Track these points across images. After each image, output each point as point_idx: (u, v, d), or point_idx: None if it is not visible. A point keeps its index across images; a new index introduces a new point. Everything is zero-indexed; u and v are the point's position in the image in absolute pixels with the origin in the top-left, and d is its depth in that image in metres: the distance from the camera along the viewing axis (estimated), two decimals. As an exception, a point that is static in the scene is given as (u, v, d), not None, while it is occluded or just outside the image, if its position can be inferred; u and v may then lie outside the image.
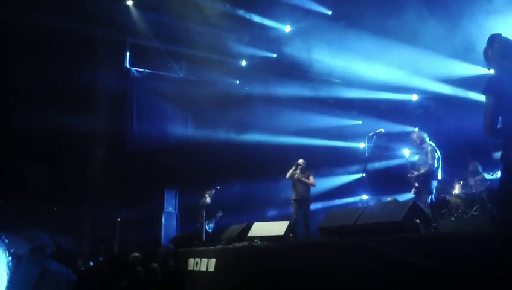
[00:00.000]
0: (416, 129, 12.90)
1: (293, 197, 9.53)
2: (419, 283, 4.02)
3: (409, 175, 7.76)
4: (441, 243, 4.16)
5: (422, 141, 7.67)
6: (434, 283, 3.90)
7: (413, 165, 7.77)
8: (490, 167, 8.83)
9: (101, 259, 8.76)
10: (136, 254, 7.59)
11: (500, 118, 3.40)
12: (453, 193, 9.05)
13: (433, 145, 7.57)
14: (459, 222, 7.76)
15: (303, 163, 9.61)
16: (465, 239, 4.07)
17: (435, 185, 7.51)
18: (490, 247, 3.64)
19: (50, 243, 7.57)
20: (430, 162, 7.36)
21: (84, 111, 11.09)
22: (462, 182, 9.08)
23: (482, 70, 10.22)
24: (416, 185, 7.57)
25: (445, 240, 4.25)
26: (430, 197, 7.42)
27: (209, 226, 10.60)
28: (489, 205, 7.57)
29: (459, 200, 8.72)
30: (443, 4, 8.49)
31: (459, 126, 9.80)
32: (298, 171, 9.49)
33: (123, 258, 8.04)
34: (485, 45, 3.66)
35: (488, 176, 8.83)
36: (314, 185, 9.46)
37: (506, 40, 3.58)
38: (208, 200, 10.59)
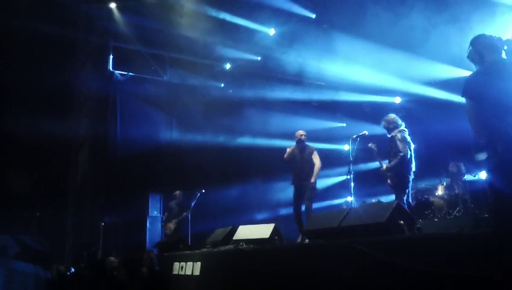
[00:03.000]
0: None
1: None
2: (403, 284, 4.05)
3: (380, 169, 7.07)
4: (425, 244, 4.20)
5: (395, 127, 6.91)
6: (418, 284, 3.93)
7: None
8: (472, 168, 8.94)
9: (82, 265, 8.66)
10: (111, 258, 7.52)
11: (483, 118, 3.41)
12: (436, 194, 9.15)
13: (405, 133, 6.87)
14: (443, 223, 7.86)
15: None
16: (448, 240, 4.11)
17: (410, 178, 6.75)
18: (473, 248, 3.69)
19: (12, 243, 7.41)
20: (401, 151, 6.63)
21: (66, 115, 10.99)
22: (445, 183, 9.18)
23: (464, 73, 10.38)
24: (389, 181, 6.91)
25: (428, 241, 4.29)
26: (405, 192, 6.69)
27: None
28: (472, 205, 7.66)
29: (442, 202, 8.82)
30: (425, 7, 8.57)
31: (441, 128, 9.91)
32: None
33: (103, 264, 7.97)
34: (469, 46, 3.68)
35: (470, 177, 8.92)
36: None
37: (488, 39, 3.60)
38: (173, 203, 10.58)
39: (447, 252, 3.86)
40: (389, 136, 7.00)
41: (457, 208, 8.21)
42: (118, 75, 12.46)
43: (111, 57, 12.37)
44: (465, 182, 8.72)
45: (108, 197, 11.34)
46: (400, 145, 6.71)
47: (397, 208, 5.07)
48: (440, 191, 9.12)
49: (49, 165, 10.68)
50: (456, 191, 8.73)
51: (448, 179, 9.28)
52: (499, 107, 3.27)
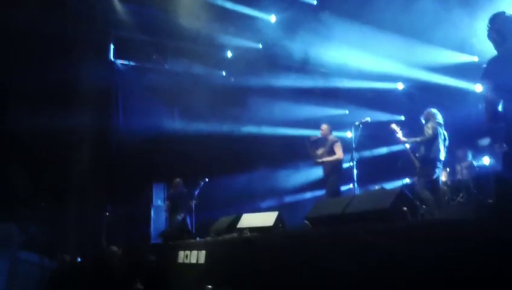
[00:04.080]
0: (403, 117, 13.07)
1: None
2: (407, 270, 4.06)
3: (404, 145, 7.57)
4: (428, 231, 4.20)
5: (432, 120, 7.33)
6: (422, 270, 3.94)
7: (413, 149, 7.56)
8: (476, 153, 8.93)
9: (86, 255, 8.72)
10: (113, 247, 7.57)
11: (501, 103, 3.27)
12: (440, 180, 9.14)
13: (439, 125, 7.25)
14: (446, 208, 7.86)
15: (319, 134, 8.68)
16: (452, 226, 4.12)
17: (435, 165, 7.12)
18: (476, 234, 3.69)
19: (17, 232, 7.46)
20: (425, 134, 7.12)
21: (68, 105, 10.93)
22: (448, 169, 9.17)
23: (467, 58, 10.33)
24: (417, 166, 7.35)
25: (431, 228, 4.29)
26: (426, 177, 7.12)
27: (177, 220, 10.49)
28: (475, 191, 7.65)
29: (445, 188, 8.81)
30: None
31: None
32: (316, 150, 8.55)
33: (107, 255, 8.03)
34: (488, 25, 3.48)
35: (474, 163, 8.92)
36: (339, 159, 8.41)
37: (505, 19, 3.41)
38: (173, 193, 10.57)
39: (450, 238, 3.86)
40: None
41: (461, 194, 8.21)
42: (119, 64, 12.41)
43: (112, 46, 12.31)
44: (470, 167, 8.71)
45: (111, 187, 11.36)
46: (426, 130, 7.16)
47: (400, 195, 5.07)
48: (443, 177, 9.11)
49: (52, 156, 10.68)
50: (459, 177, 8.73)
51: (452, 165, 9.27)
52: None
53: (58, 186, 10.79)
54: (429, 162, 7.15)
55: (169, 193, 10.69)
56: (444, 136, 7.33)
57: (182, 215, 10.52)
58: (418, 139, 7.28)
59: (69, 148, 11.32)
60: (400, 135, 7.68)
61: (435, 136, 7.13)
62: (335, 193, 8.34)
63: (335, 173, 8.38)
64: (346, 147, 8.78)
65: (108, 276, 7.04)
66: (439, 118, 7.40)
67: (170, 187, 11.48)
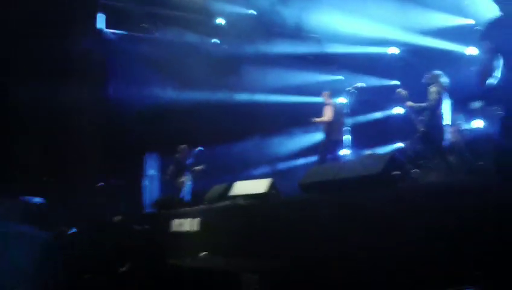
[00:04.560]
0: (398, 82, 12.98)
1: None
2: (399, 234, 4.08)
3: (406, 109, 7.62)
4: (421, 194, 4.21)
5: (435, 82, 7.28)
6: (415, 234, 3.95)
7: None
8: (468, 116, 8.89)
9: (84, 225, 8.73)
10: (119, 217, 7.61)
11: (499, 66, 3.21)
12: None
13: (442, 89, 7.18)
14: (437, 171, 7.87)
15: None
16: (444, 188, 4.12)
17: (442, 130, 7.10)
18: (468, 195, 3.69)
19: (10, 205, 7.47)
20: (430, 100, 7.08)
21: (57, 78, 10.78)
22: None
23: (461, 21, 10.20)
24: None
25: (424, 190, 4.30)
26: (434, 142, 7.15)
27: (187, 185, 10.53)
28: (466, 153, 7.65)
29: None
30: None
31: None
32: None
33: (107, 224, 8.05)
34: None
35: (465, 126, 8.89)
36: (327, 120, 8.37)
37: None
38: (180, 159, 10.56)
39: (442, 200, 3.87)
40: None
41: (452, 156, 8.20)
42: (109, 33, 12.19)
43: (101, 15, 12.05)
44: (461, 131, 8.67)
45: (105, 158, 11.33)
46: (430, 95, 7.10)
47: (392, 159, 5.05)
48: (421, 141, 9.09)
49: (43, 130, 10.62)
50: (452, 140, 8.70)
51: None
52: None
53: (52, 159, 10.76)
54: (435, 127, 7.14)
55: (175, 158, 10.67)
56: (449, 99, 7.29)
57: (190, 181, 10.56)
58: (423, 104, 7.21)
59: (60, 121, 11.22)
60: (406, 100, 7.56)
61: (439, 101, 7.10)
62: (320, 159, 8.33)
63: (324, 136, 8.33)
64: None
65: (115, 246, 7.09)
66: (444, 80, 7.32)
67: (167, 156, 11.53)
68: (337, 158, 8.28)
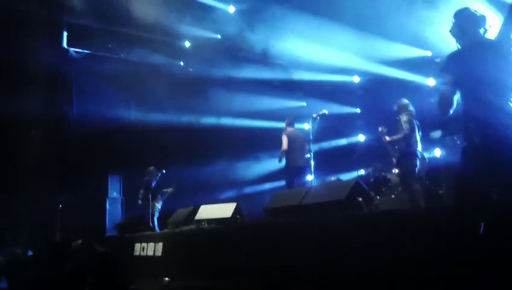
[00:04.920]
0: (358, 110, 13.36)
1: None
2: (362, 259, 4.17)
3: (384, 141, 7.65)
4: (382, 220, 4.33)
5: (405, 110, 7.44)
6: (376, 259, 4.05)
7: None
8: (427, 146, 9.19)
9: (41, 247, 8.44)
10: (79, 241, 7.39)
11: (458, 97, 3.34)
12: (393, 171, 9.38)
13: (412, 117, 7.38)
14: (399, 199, 8.10)
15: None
16: (404, 215, 4.26)
17: (416, 157, 7.24)
18: (428, 223, 3.83)
19: None
20: (404, 129, 7.23)
21: (16, 92, 10.49)
22: (394, 159, 9.41)
23: (421, 53, 10.64)
24: (393, 159, 7.56)
25: (386, 217, 4.42)
26: (410, 170, 7.24)
27: (157, 208, 10.32)
28: (427, 182, 7.90)
29: (398, 179, 9.05)
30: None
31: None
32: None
33: (66, 245, 7.81)
34: (452, 19, 3.52)
35: (426, 155, 9.19)
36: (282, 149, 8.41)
37: (470, 14, 3.46)
38: (153, 184, 10.39)
39: (402, 226, 3.99)
40: (397, 118, 7.51)
41: (407, 185, 8.44)
42: (73, 52, 12.02)
43: (65, 33, 11.90)
44: (421, 159, 8.93)
45: (65, 177, 11.05)
46: (403, 125, 7.27)
47: (356, 186, 5.19)
48: (396, 169, 9.35)
49: (4, 146, 10.28)
50: (405, 167, 8.95)
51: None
52: (477, 88, 3.22)
53: (7, 176, 10.39)
54: (409, 154, 7.30)
55: (144, 181, 10.42)
56: (419, 126, 7.50)
57: (160, 203, 10.40)
58: (400, 136, 7.37)
59: (19, 134, 10.90)
60: (385, 136, 7.77)
61: (412, 130, 7.30)
62: (287, 184, 8.41)
63: (284, 163, 8.40)
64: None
65: (62, 270, 6.86)
66: (412, 108, 7.53)
67: (129, 178, 11.35)
68: (303, 184, 8.35)
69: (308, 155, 8.23)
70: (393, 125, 7.90)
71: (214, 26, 12.04)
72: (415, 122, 7.40)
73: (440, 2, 8.10)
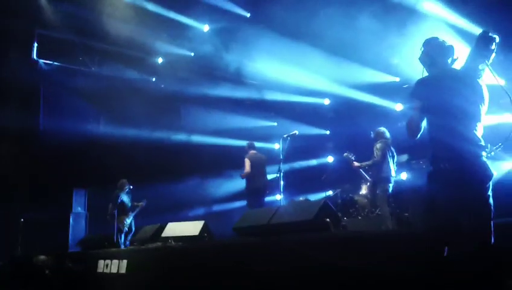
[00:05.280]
0: (328, 132, 13.54)
1: None
2: (329, 279, 4.19)
3: (352, 166, 8.13)
4: (349, 241, 4.37)
5: (380, 138, 7.90)
6: (343, 280, 4.08)
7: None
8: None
9: (1, 262, 8.16)
10: (42, 256, 7.20)
11: (425, 123, 3.43)
12: (360, 193, 9.51)
13: (386, 145, 7.81)
14: (366, 221, 8.20)
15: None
16: (369, 237, 4.31)
17: (389, 182, 7.67)
18: (394, 245, 3.89)
19: None
20: (375, 156, 7.71)
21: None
22: (368, 183, 9.55)
23: (390, 78, 10.92)
24: (363, 186, 8.27)
25: (352, 238, 4.46)
26: (382, 194, 7.66)
27: (126, 223, 10.04)
28: (393, 205, 8.04)
29: (365, 200, 9.17)
30: (358, 14, 8.87)
31: (365, 130, 10.33)
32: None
33: (27, 261, 7.58)
34: (422, 48, 3.65)
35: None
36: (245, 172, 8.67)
37: (439, 43, 3.60)
38: (122, 198, 10.10)
39: (368, 248, 4.04)
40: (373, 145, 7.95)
41: (379, 208, 8.58)
42: (43, 64, 11.81)
43: (36, 45, 11.70)
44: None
45: (29, 191, 10.75)
46: (375, 152, 7.75)
47: (324, 206, 5.23)
48: (364, 191, 9.48)
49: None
50: (378, 191, 9.10)
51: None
52: (444, 116, 3.31)
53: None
54: (382, 180, 7.70)
55: (114, 194, 10.08)
56: (392, 153, 7.93)
57: (131, 217, 10.08)
58: (369, 162, 7.84)
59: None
60: (353, 161, 8.17)
61: (383, 157, 7.70)
62: (247, 205, 8.61)
63: (245, 185, 8.72)
64: (274, 158, 8.95)
65: (39, 286, 6.67)
66: (387, 136, 7.97)
67: (95, 193, 11.10)
68: (263, 204, 8.60)
69: (274, 176, 8.41)
70: (362, 150, 8.12)
71: (188, 44, 12.09)
72: (391, 149, 7.86)
73: (409, 30, 8.37)
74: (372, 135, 8.11)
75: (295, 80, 11.58)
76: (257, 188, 8.55)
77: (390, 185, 7.70)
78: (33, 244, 9.59)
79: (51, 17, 10.78)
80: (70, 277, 6.99)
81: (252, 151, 8.89)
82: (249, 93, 13.50)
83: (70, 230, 10.81)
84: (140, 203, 10.21)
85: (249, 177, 8.56)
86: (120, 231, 9.72)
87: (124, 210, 9.95)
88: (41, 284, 6.65)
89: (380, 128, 8.09)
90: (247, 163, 8.55)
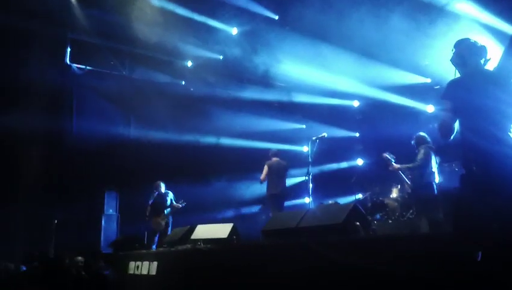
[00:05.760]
0: (357, 134, 13.41)
1: None
2: (359, 283, 4.14)
3: (390, 168, 7.85)
4: (380, 245, 4.30)
5: (423, 143, 7.61)
6: (373, 283, 4.02)
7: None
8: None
9: (35, 263, 8.36)
10: (79, 257, 7.37)
11: (457, 124, 3.37)
12: (391, 196, 9.37)
13: (430, 149, 7.53)
14: (397, 224, 8.07)
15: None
16: (402, 241, 4.24)
17: (432, 188, 7.34)
18: (425, 249, 3.81)
19: None
20: (417, 160, 7.39)
21: (19, 108, 10.54)
22: (399, 185, 9.41)
23: (421, 80, 10.75)
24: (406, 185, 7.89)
25: (383, 242, 4.40)
26: (426, 199, 7.34)
27: (161, 224, 9.89)
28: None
29: (396, 204, 9.04)
30: (388, 15, 8.77)
31: (395, 132, 10.18)
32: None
33: (59, 262, 7.74)
34: (453, 49, 3.60)
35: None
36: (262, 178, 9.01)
37: (471, 44, 3.55)
38: (155, 199, 10.11)
39: (400, 252, 3.97)
40: (416, 151, 7.65)
41: (411, 211, 8.44)
42: (75, 68, 12.10)
43: (68, 49, 12.01)
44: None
45: (62, 194, 10.99)
46: (419, 156, 7.39)
47: (353, 210, 5.17)
48: (394, 194, 9.35)
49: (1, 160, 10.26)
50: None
51: (402, 182, 9.50)
52: (476, 117, 3.26)
53: (4, 191, 10.34)
54: (424, 186, 7.36)
55: (153, 196, 10.12)
56: (436, 159, 7.62)
57: (166, 220, 9.98)
58: (410, 165, 7.53)
59: (18, 150, 10.88)
60: (392, 162, 7.87)
61: (427, 161, 7.36)
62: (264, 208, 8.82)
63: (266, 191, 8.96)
64: (303, 160, 8.92)
65: (75, 286, 6.83)
66: (429, 140, 7.66)
67: (126, 196, 11.29)
68: (281, 209, 8.72)
69: (303, 179, 8.44)
70: (393, 152, 7.96)
71: (217, 47, 12.18)
72: (432, 153, 7.52)
73: (441, 30, 8.22)
74: (413, 142, 7.79)
75: (323, 82, 11.54)
76: (274, 193, 8.78)
77: (435, 191, 7.39)
78: (66, 246, 9.80)
79: (83, 23, 11.04)
80: (104, 278, 7.12)
81: (274, 159, 9.10)
82: (277, 96, 13.52)
83: (102, 231, 11.02)
84: (177, 205, 10.11)
85: (268, 183, 8.85)
86: (154, 232, 9.78)
87: (157, 211, 10.00)
88: (78, 285, 6.79)
89: (420, 133, 7.79)
90: (265, 169, 8.89)
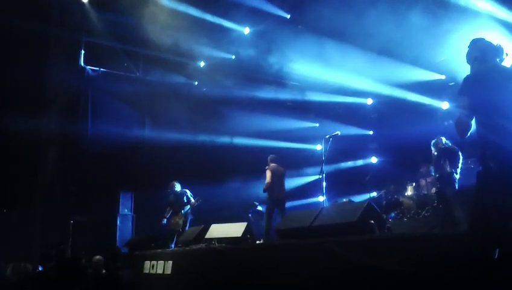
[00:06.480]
0: (371, 132, 13.33)
1: None
2: (373, 282, 4.11)
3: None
4: (395, 244, 4.27)
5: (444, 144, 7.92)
6: (388, 282, 3.99)
7: None
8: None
9: (52, 264, 8.47)
10: (98, 257, 7.45)
11: (474, 121, 3.34)
12: (406, 194, 9.30)
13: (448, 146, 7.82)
14: (412, 222, 8.00)
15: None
16: (417, 240, 4.20)
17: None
18: (441, 247, 3.78)
19: None
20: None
21: (35, 111, 10.70)
22: (414, 183, 9.34)
23: (436, 76, 10.63)
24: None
25: (398, 241, 4.36)
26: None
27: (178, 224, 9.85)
28: (440, 206, 7.82)
29: (411, 202, 8.97)
30: (401, 13, 8.70)
31: (410, 129, 10.09)
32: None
33: (76, 262, 7.84)
34: (468, 47, 3.59)
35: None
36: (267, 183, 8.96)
37: (486, 42, 3.54)
38: (170, 199, 10.14)
39: (416, 251, 3.94)
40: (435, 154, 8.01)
41: (426, 208, 8.37)
42: (90, 70, 12.22)
43: (83, 52, 12.13)
44: (434, 182, 8.84)
45: (78, 195, 11.12)
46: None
47: (368, 208, 5.13)
48: (409, 192, 9.27)
49: (17, 162, 10.40)
50: (425, 192, 8.87)
51: (417, 179, 9.43)
52: (492, 113, 3.22)
53: (22, 192, 10.51)
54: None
55: (169, 196, 10.17)
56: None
57: (183, 218, 9.96)
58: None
59: (35, 152, 11.03)
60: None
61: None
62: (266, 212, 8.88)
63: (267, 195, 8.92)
64: (316, 159, 8.89)
65: (96, 286, 6.93)
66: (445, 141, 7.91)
67: (140, 196, 11.37)
68: (283, 212, 8.72)
69: (316, 177, 8.42)
70: (407, 148, 7.92)
71: (229, 47, 12.19)
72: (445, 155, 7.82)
73: (455, 27, 8.13)
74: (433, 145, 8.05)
75: (337, 80, 11.48)
76: (276, 197, 8.80)
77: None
78: (82, 246, 9.91)
79: (97, 26, 11.16)
80: (121, 277, 7.19)
81: (273, 164, 9.10)
82: (291, 95, 13.49)
83: (117, 231, 11.11)
84: (193, 202, 10.08)
85: (272, 188, 8.84)
86: (173, 231, 9.79)
87: (174, 211, 10.06)
88: (98, 283, 6.87)
89: (441, 137, 8.02)
90: (268, 174, 8.86)
